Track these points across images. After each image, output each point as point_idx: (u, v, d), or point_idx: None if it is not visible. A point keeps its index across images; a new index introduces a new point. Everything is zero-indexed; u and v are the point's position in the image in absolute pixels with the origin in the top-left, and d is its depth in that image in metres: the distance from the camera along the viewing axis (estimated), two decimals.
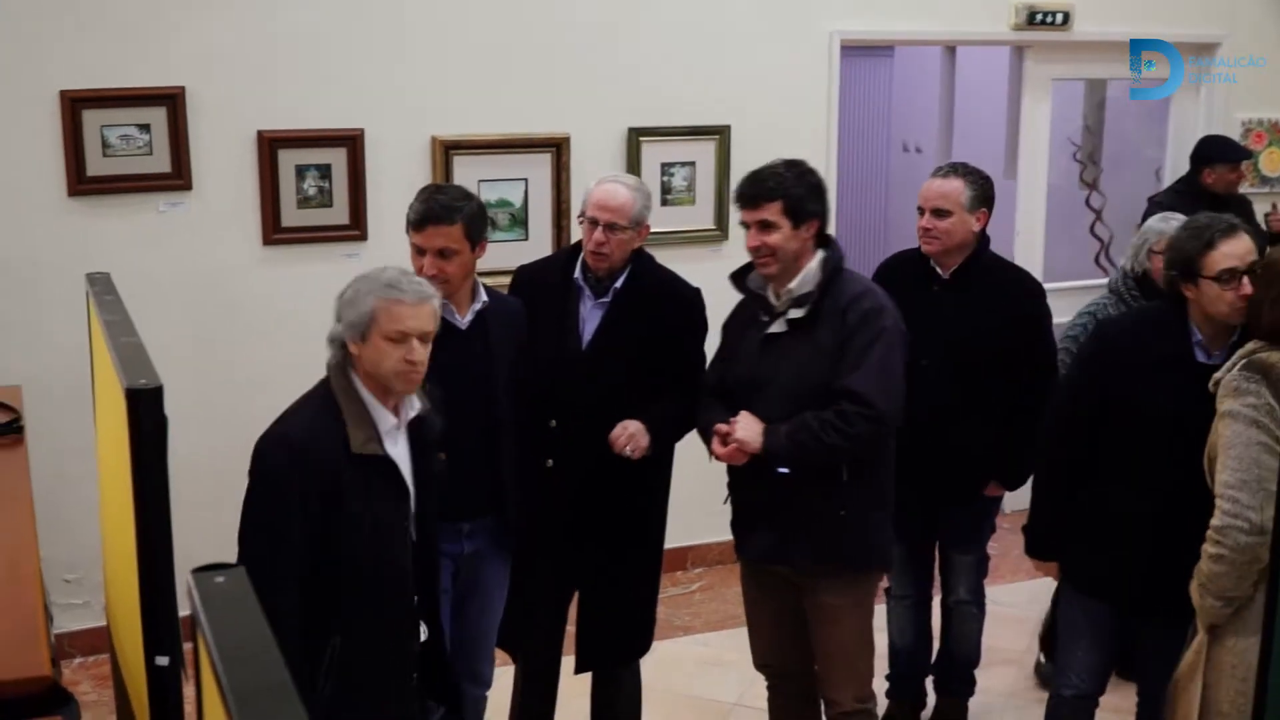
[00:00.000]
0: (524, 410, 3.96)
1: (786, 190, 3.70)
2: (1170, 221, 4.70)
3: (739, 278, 3.88)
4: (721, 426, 3.71)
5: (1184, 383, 3.59)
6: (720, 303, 4.21)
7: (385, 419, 3.22)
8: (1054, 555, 4.03)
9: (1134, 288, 4.73)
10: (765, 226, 3.70)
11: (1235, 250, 3.59)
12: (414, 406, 3.29)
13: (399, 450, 3.26)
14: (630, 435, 3.92)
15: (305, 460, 3.13)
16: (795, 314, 3.71)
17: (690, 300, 4.13)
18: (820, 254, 3.76)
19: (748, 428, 3.68)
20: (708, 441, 3.84)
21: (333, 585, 3.16)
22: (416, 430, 3.32)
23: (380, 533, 3.20)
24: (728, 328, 3.98)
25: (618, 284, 4.02)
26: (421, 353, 3.17)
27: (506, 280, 4.47)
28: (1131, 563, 3.77)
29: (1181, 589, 3.57)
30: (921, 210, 4.43)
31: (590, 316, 4.03)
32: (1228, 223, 3.68)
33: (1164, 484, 3.68)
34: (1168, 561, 3.64)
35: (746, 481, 3.82)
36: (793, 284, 3.73)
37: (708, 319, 4.16)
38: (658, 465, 4.14)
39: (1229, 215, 3.84)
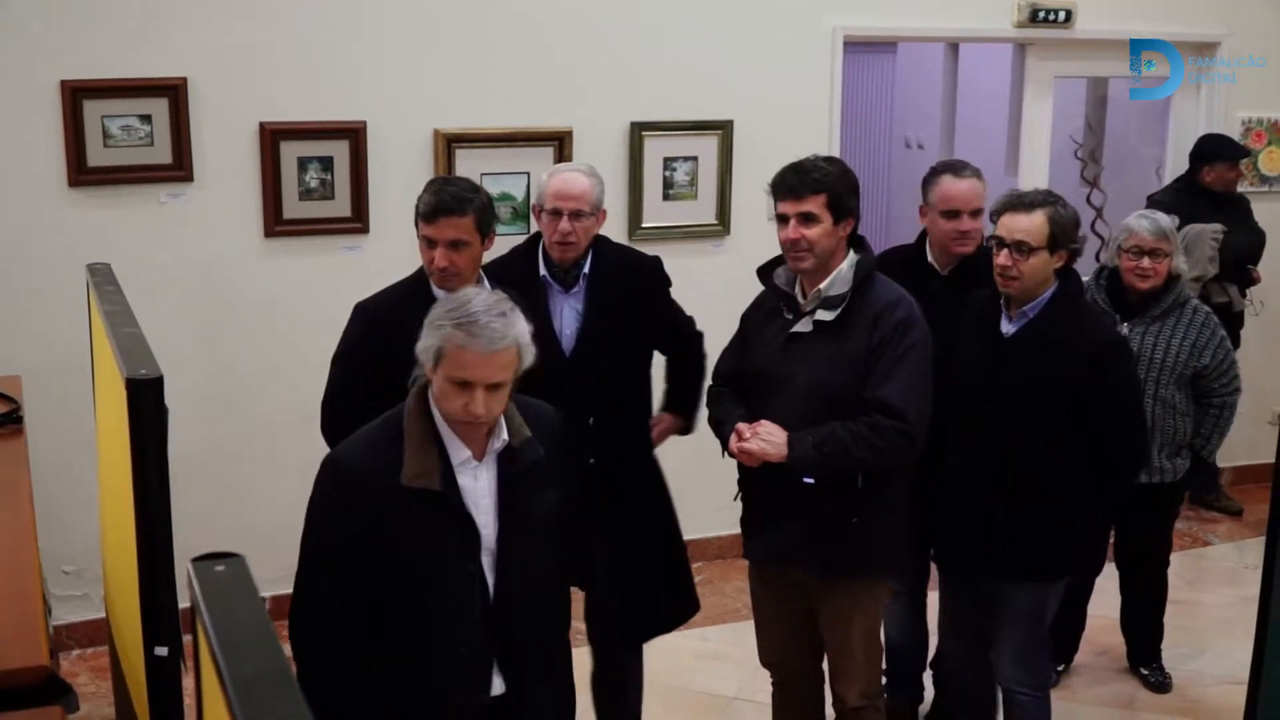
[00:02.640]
0: None
1: (831, 184, 3.62)
2: (1144, 220, 4.76)
3: (765, 272, 3.82)
4: (743, 428, 3.65)
5: (986, 346, 3.94)
6: (722, 296, 4.21)
7: (459, 451, 2.94)
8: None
9: (1104, 285, 4.81)
10: (807, 219, 3.61)
11: (1012, 225, 3.87)
12: (502, 436, 2.98)
13: (479, 484, 2.98)
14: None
15: (351, 488, 2.91)
16: (824, 316, 3.63)
17: (656, 270, 4.19)
18: (853, 256, 3.70)
19: (770, 438, 3.61)
20: (721, 435, 3.81)
21: (379, 618, 2.96)
22: (508, 462, 3.01)
23: (433, 573, 2.94)
24: (747, 319, 3.92)
25: (585, 270, 4.01)
26: (484, 404, 2.85)
27: None
28: (937, 520, 4.07)
29: (970, 546, 4.01)
30: (958, 213, 4.33)
31: (566, 310, 4.01)
32: (1007, 202, 3.94)
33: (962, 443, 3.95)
34: (959, 517, 4.01)
35: (758, 483, 3.77)
36: (823, 284, 3.66)
37: (670, 279, 4.23)
38: (649, 452, 4.18)
39: (1037, 192, 4.06)
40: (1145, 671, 5.24)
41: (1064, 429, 3.88)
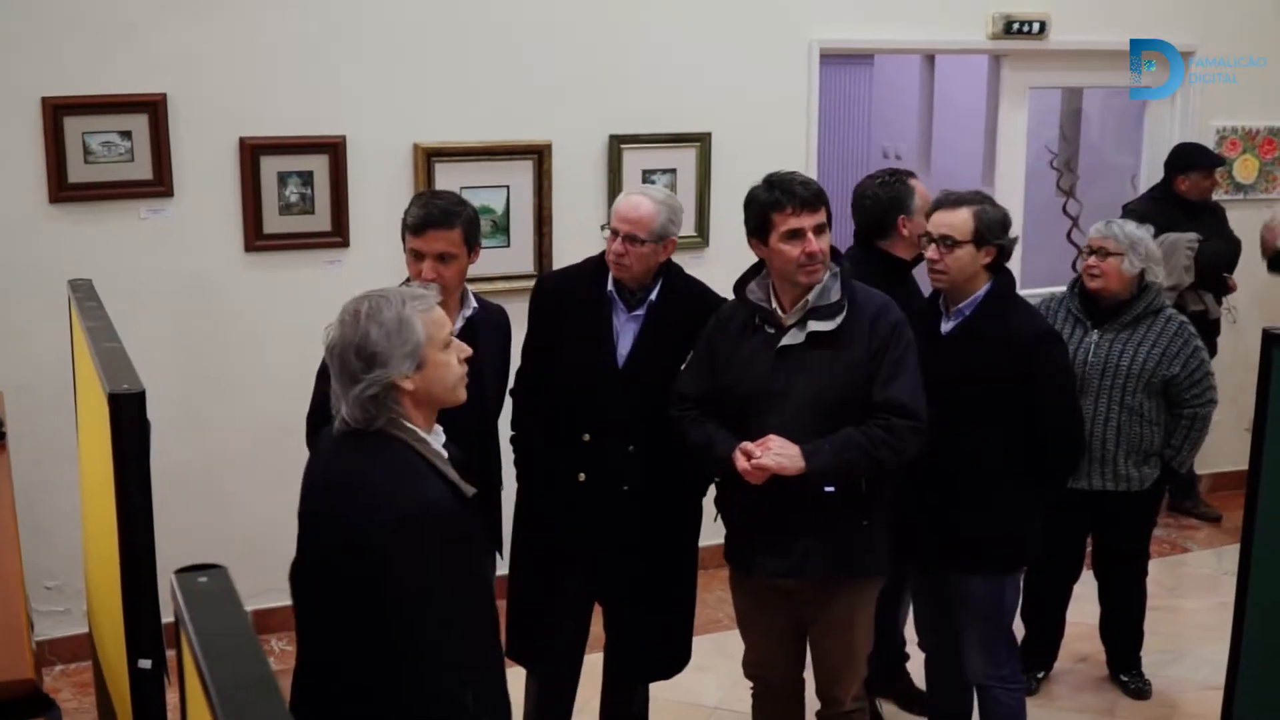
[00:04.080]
0: (555, 423, 3.97)
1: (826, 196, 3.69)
2: (1102, 223, 4.83)
3: (740, 287, 3.81)
4: (751, 447, 3.58)
5: (926, 345, 3.88)
6: None
7: (440, 450, 2.80)
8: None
9: (1078, 293, 4.86)
10: (821, 230, 3.62)
11: (940, 221, 4.02)
12: (439, 428, 2.88)
13: None
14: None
15: (464, 529, 2.74)
16: (822, 326, 3.62)
17: None
18: (833, 265, 3.70)
19: (784, 451, 3.56)
20: (710, 458, 3.73)
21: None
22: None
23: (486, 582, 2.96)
24: (714, 338, 3.84)
25: (651, 296, 3.97)
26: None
27: (485, 287, 4.46)
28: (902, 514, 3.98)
29: (920, 539, 4.03)
30: None
31: (624, 329, 3.97)
32: (938, 201, 4.10)
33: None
34: (927, 509, 4.01)
35: (765, 501, 3.66)
36: (810, 295, 3.65)
37: None
38: (695, 484, 4.13)
39: (968, 192, 4.14)
40: (1125, 678, 5.26)
41: (999, 423, 3.96)
